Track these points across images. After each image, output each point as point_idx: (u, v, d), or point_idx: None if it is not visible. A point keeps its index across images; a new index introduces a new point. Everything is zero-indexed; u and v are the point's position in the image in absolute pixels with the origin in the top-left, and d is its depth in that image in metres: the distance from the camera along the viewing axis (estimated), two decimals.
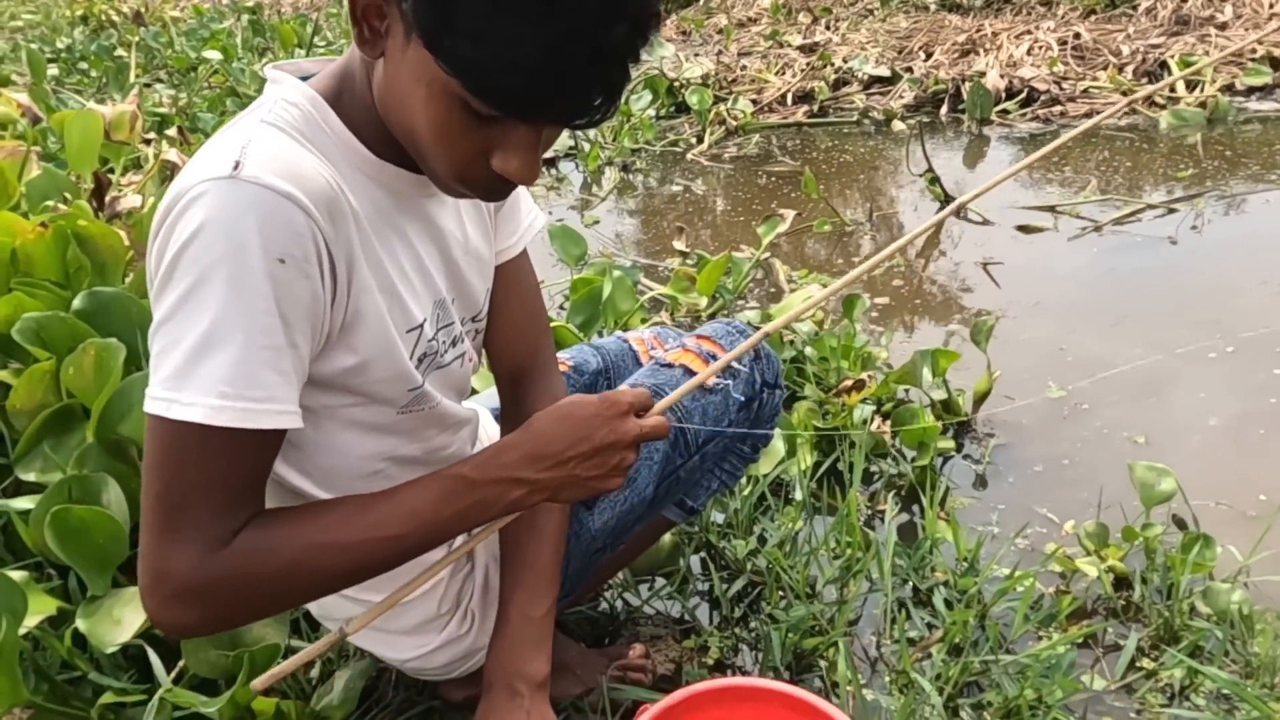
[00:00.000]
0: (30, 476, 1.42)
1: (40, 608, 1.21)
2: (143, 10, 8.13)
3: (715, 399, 1.31)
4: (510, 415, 1.18)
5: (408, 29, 0.77)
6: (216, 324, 0.77)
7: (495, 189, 0.87)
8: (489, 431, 1.29)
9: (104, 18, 7.82)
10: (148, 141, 2.72)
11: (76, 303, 1.57)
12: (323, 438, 0.97)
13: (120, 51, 6.62)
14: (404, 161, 0.91)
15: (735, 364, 1.32)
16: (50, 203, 1.95)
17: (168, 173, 2.16)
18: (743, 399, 1.33)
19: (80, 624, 1.20)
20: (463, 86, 0.76)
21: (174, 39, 7.06)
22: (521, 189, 1.16)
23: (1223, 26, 5.28)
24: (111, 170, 2.53)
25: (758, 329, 1.15)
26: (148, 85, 6.11)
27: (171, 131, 2.31)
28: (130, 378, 1.39)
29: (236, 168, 0.78)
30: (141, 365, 1.54)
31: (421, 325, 0.97)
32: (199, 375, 0.78)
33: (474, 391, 1.49)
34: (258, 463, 0.84)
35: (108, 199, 1.85)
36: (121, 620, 1.22)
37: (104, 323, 1.58)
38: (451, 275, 1.03)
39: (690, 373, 1.27)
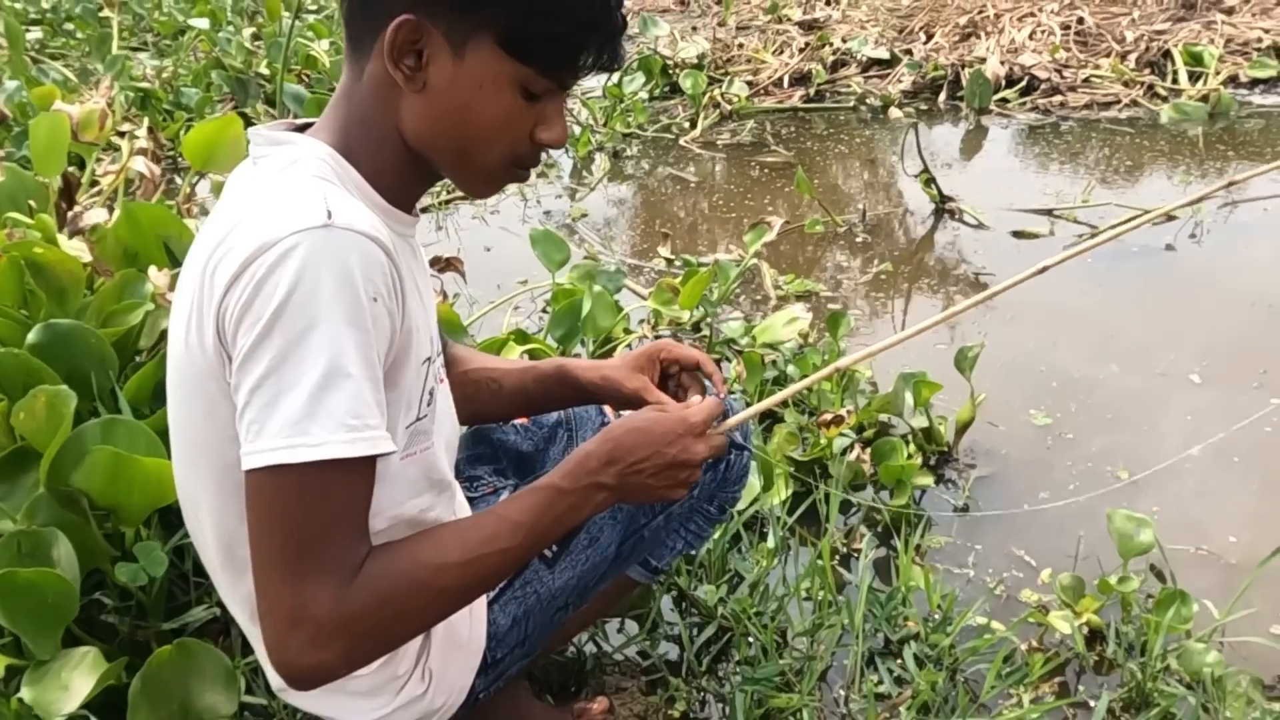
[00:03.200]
0: None
1: None
2: None
3: None
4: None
5: (457, 46, 0.89)
6: (336, 360, 0.81)
7: (532, 164, 0.98)
8: (461, 502, 1.26)
9: None
10: (122, 134, 2.64)
11: (31, 337, 1.52)
12: None
13: (106, 11, 6.46)
14: (403, 206, 0.99)
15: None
16: (14, 215, 1.90)
17: (134, 186, 2.09)
18: (710, 460, 1.29)
19: (25, 692, 1.17)
20: (541, 66, 0.89)
21: (162, 0, 6.90)
22: None
23: (1230, 11, 5.17)
24: (84, 165, 2.47)
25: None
26: (135, 49, 5.99)
27: (141, 133, 2.24)
28: (83, 426, 1.35)
29: (330, 216, 0.82)
30: (99, 409, 1.50)
31: (430, 358, 1.01)
32: (324, 412, 0.80)
33: None
34: (370, 490, 0.87)
35: (70, 215, 1.79)
36: (69, 686, 1.19)
37: (62, 356, 1.54)
38: (432, 312, 1.07)
39: None
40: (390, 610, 0.86)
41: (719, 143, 4.26)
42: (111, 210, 2.00)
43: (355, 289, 0.82)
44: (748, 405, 2.13)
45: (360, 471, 0.84)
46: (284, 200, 0.85)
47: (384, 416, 0.86)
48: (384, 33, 0.89)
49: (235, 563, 1.00)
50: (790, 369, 2.23)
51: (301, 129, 1.00)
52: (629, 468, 0.97)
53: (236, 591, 1.03)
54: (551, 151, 4.24)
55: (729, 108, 4.55)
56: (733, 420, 1.07)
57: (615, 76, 4.77)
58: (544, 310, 2.73)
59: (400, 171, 0.96)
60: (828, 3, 6.36)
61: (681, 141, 4.27)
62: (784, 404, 2.14)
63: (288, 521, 0.82)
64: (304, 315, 0.80)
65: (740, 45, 5.35)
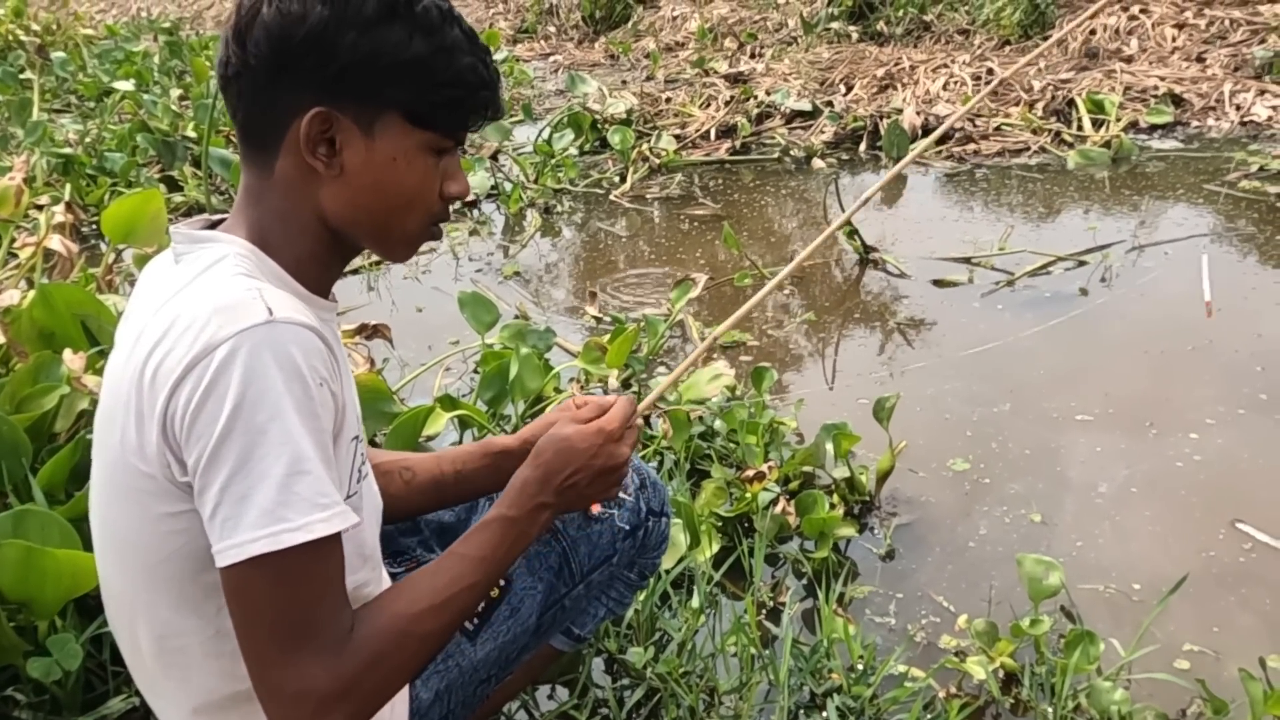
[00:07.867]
0: None
1: None
2: (53, 30, 7.85)
3: (601, 528, 1.31)
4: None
5: (366, 127, 0.96)
6: (300, 448, 0.86)
7: (445, 220, 1.06)
8: (386, 580, 1.27)
9: (11, 38, 7.52)
10: (40, 208, 2.62)
11: None
12: None
13: (29, 73, 6.36)
14: (322, 292, 1.04)
15: (621, 493, 1.32)
16: None
17: (49, 264, 2.07)
18: (628, 528, 1.33)
19: None
20: (443, 129, 0.98)
21: (86, 63, 6.83)
22: None
23: (1129, 60, 5.45)
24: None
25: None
26: (58, 111, 5.90)
27: (58, 209, 2.22)
28: None
29: (271, 313, 0.87)
30: (11, 499, 1.48)
31: (358, 436, 1.04)
32: (296, 498, 0.85)
33: None
34: (343, 561, 0.93)
35: None
36: None
37: None
38: (355, 393, 1.10)
39: (589, 514, 1.30)
40: (383, 666, 0.92)
41: (649, 196, 4.35)
42: (31, 285, 1.98)
43: (303, 379, 0.87)
44: (676, 464, 2.17)
45: (333, 546, 0.90)
46: (221, 300, 0.89)
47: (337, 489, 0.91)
48: (292, 129, 0.95)
49: (168, 654, 1.00)
50: (718, 423, 2.28)
51: (214, 226, 1.02)
52: (564, 482, 1.08)
53: (169, 681, 1.02)
54: (482, 208, 4.30)
55: (658, 161, 4.64)
56: (647, 400, 1.18)
57: (546, 133, 4.85)
58: (475, 371, 2.74)
59: (320, 258, 1.02)
60: (752, 56, 6.56)
61: (612, 196, 4.34)
62: (711, 460, 2.19)
63: (275, 607, 0.86)
64: (261, 411, 0.84)
65: (668, 99, 5.48)
